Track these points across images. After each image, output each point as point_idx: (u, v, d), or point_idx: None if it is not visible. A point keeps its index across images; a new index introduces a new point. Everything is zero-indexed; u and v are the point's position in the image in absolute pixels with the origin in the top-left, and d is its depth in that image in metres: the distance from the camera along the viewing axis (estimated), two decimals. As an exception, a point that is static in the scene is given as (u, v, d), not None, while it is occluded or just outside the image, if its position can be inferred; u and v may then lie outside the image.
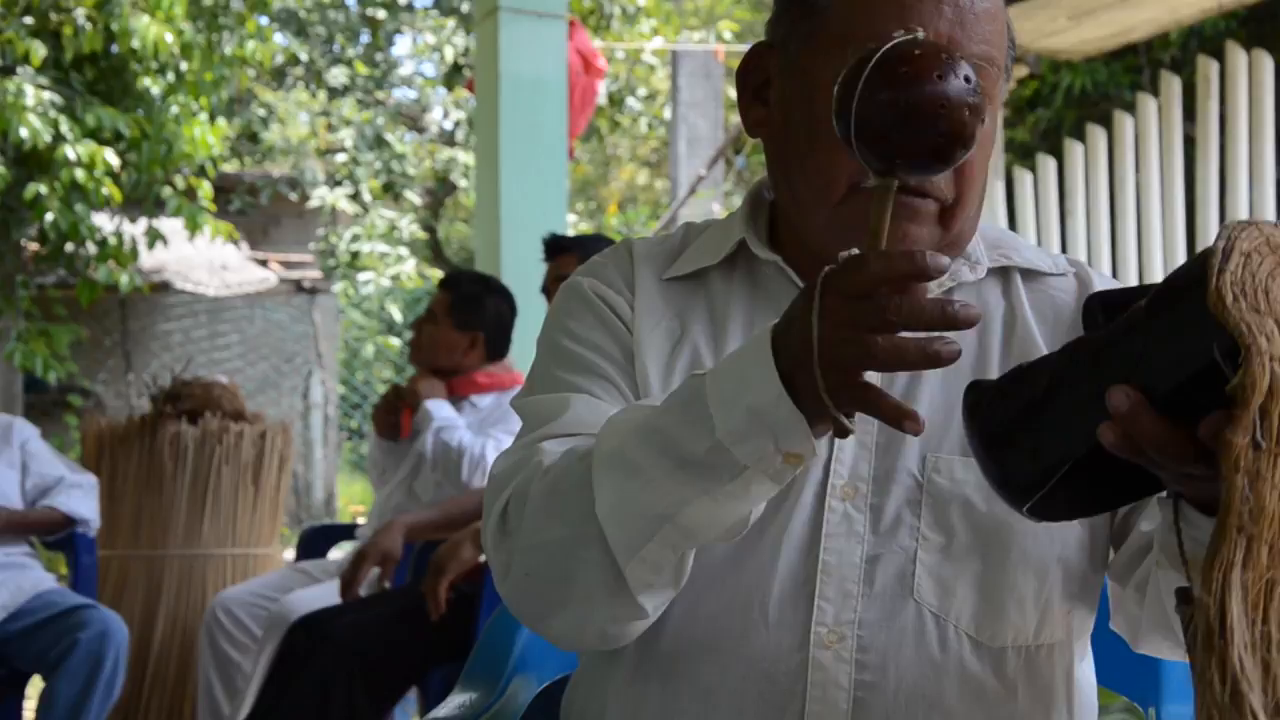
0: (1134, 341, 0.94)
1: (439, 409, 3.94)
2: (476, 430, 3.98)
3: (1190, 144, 5.69)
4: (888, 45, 1.05)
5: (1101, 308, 1.02)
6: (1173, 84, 5.60)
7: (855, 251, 1.04)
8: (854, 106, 1.04)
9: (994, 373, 1.33)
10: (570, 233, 5.29)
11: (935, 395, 1.31)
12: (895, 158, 1.05)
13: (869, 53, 1.05)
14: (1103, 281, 1.40)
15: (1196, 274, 0.90)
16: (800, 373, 1.04)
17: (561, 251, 4.15)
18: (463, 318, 4.06)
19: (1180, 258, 5.52)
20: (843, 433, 1.06)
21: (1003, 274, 1.39)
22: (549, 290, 4.19)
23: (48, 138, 6.77)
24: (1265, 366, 0.86)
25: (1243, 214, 5.31)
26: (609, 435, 1.17)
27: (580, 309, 1.39)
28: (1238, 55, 5.35)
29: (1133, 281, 5.53)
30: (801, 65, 1.32)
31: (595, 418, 1.28)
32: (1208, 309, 0.88)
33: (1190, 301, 0.90)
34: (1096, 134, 5.80)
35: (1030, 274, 1.39)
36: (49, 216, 7.00)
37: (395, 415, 4.06)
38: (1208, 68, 5.55)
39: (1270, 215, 5.32)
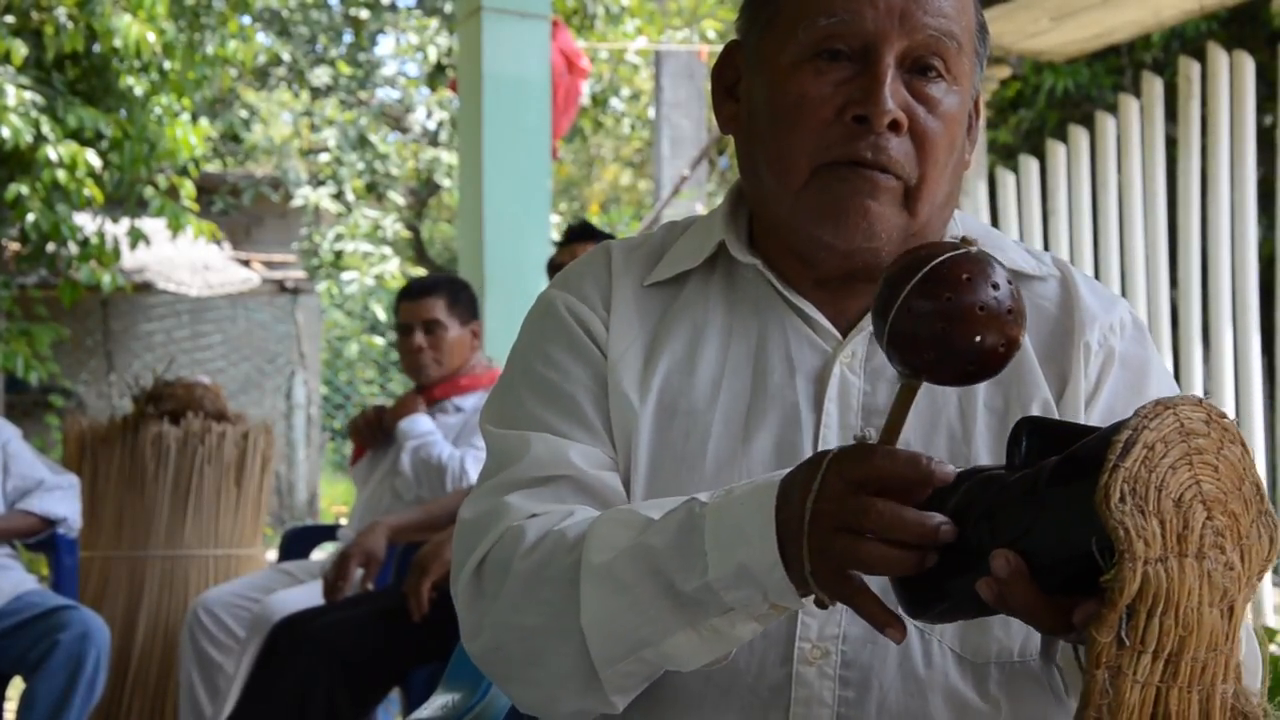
0: (1028, 507, 0.97)
1: (415, 425, 3.97)
2: (459, 433, 3.98)
3: (1172, 144, 5.70)
4: (940, 258, 1.03)
5: (1028, 434, 1.02)
6: (1154, 85, 5.61)
7: (868, 436, 1.05)
8: (893, 313, 1.03)
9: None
10: (553, 234, 5.30)
11: (920, 412, 1.28)
12: (922, 371, 1.05)
13: (921, 258, 1.04)
14: (1086, 283, 1.38)
15: (1099, 454, 0.92)
16: (791, 546, 1.05)
17: (587, 239, 4.20)
18: (462, 313, 4.08)
19: (1162, 257, 5.53)
20: (823, 606, 1.06)
21: None
22: (552, 269, 4.24)
23: (29, 138, 6.74)
24: (1137, 570, 0.89)
25: (1224, 214, 5.32)
26: (601, 545, 1.17)
27: (554, 330, 1.37)
28: (1219, 56, 5.37)
29: (1115, 281, 5.55)
30: (761, 52, 1.31)
31: (555, 459, 1.29)
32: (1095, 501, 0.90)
33: (1083, 486, 0.92)
34: (1079, 135, 5.80)
35: (1016, 276, 1.35)
36: (30, 217, 6.97)
37: (374, 428, 4.11)
38: (1189, 69, 5.56)
39: (1251, 215, 5.33)
